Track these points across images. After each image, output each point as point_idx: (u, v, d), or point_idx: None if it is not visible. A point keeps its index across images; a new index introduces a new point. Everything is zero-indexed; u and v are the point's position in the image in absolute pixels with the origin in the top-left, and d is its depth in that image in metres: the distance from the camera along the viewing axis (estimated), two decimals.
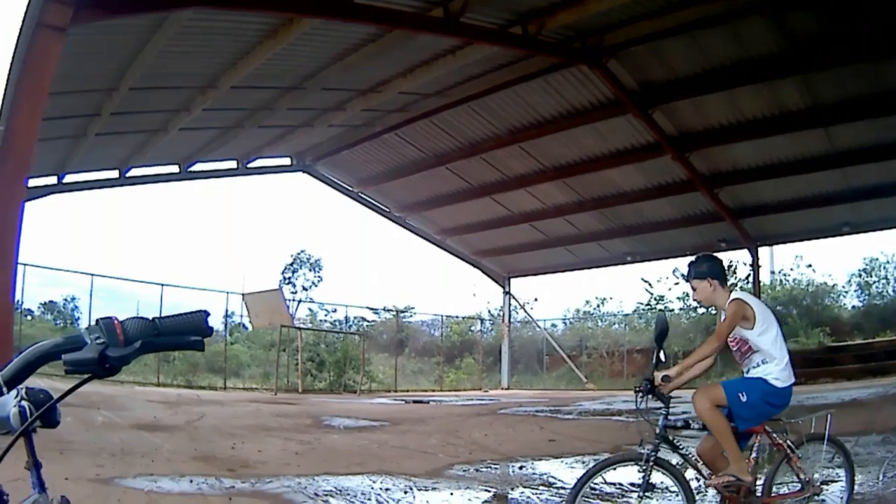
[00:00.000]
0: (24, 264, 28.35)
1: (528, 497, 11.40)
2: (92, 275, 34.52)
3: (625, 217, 33.08)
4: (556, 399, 28.99)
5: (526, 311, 44.07)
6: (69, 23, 13.97)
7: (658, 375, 7.81)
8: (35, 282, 36.11)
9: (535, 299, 46.13)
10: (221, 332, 39.99)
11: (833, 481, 9.29)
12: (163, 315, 2.40)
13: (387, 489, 11.47)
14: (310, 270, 62.68)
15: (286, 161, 33.78)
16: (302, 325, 40.19)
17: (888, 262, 40.68)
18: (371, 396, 33.84)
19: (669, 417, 7.92)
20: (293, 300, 51.59)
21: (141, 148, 27.01)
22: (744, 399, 7.72)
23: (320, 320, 47.78)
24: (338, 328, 45.39)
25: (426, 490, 11.57)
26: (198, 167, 31.06)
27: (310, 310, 50.69)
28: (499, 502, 11.46)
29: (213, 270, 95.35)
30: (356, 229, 78.40)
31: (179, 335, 2.41)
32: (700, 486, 8.62)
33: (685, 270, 8.70)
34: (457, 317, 49.35)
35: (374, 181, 34.37)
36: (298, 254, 62.43)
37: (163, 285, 36.37)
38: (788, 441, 7.97)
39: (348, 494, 10.77)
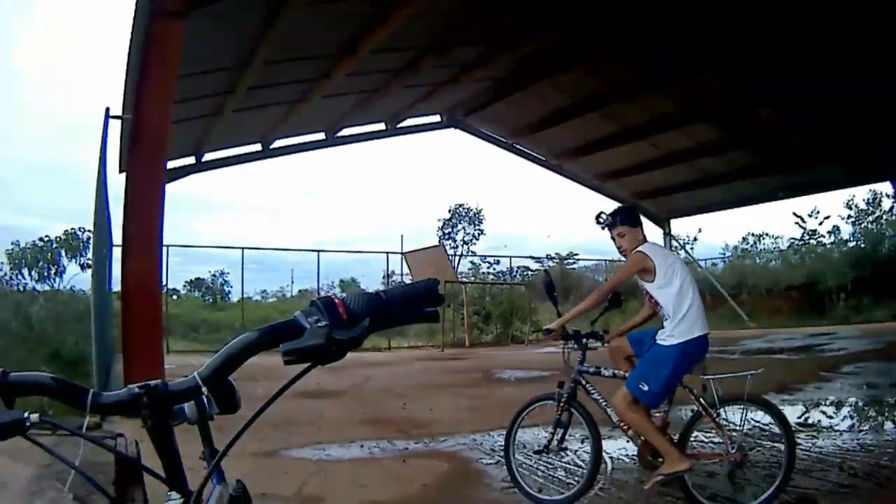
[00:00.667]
0: (169, 245, 28.94)
1: (701, 441, 10.79)
2: (243, 248, 35.22)
3: (775, 153, 32.30)
4: (719, 339, 28.58)
5: (686, 252, 43.58)
6: (185, 8, 14.00)
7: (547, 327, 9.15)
8: (178, 261, 36.82)
9: (695, 239, 45.71)
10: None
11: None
12: (388, 289, 2.04)
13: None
14: (469, 224, 62.90)
15: (436, 118, 33.37)
16: (465, 280, 40.15)
17: None
18: (539, 346, 33.34)
19: (584, 364, 8.81)
20: (454, 255, 51.73)
21: (283, 119, 26.92)
22: (646, 388, 7.90)
23: (483, 273, 47.76)
24: (501, 280, 45.25)
25: (604, 438, 11.34)
26: (345, 132, 30.82)
27: (472, 263, 50.88)
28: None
29: (370, 233, 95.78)
30: (511, 180, 78.38)
31: (411, 306, 2.04)
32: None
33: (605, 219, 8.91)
34: (619, 261, 48.71)
35: (527, 131, 33.81)
36: (456, 208, 62.59)
37: (318, 251, 36.72)
38: (702, 399, 8.02)
39: (525, 448, 10.54)
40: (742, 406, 8.07)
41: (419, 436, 11.82)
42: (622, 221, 8.57)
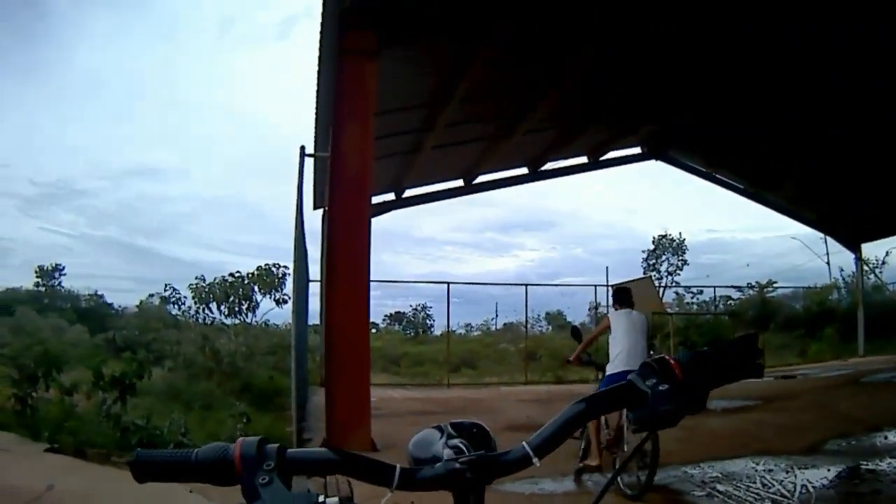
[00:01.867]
0: (373, 280, 29.44)
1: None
2: (448, 283, 35.31)
3: None
4: None
5: (876, 275, 42.78)
6: (376, 47, 14.39)
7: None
8: (377, 294, 37.34)
9: (884, 262, 44.78)
10: (588, 323, 40.17)
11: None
12: (711, 345, 1.98)
13: (770, 470, 11.73)
14: (673, 255, 62.95)
15: (637, 150, 33.21)
16: (671, 311, 40.06)
17: None
18: None
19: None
20: (660, 286, 51.65)
21: (484, 155, 27.19)
22: None
23: (687, 303, 47.58)
24: (705, 310, 45.02)
25: (805, 468, 11.72)
26: (547, 166, 30.87)
27: (676, 293, 50.67)
28: (872, 476, 11.45)
29: (572, 265, 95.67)
30: (711, 209, 78.24)
31: (739, 361, 1.95)
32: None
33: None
34: (815, 287, 48.19)
35: (725, 161, 33.72)
36: (660, 239, 62.68)
37: (526, 285, 36.94)
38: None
39: (734, 479, 11.04)
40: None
41: (628, 469, 11.79)
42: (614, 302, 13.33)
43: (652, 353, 13.93)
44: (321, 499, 1.64)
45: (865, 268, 41.04)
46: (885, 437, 14.17)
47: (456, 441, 1.92)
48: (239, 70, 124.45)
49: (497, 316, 46.28)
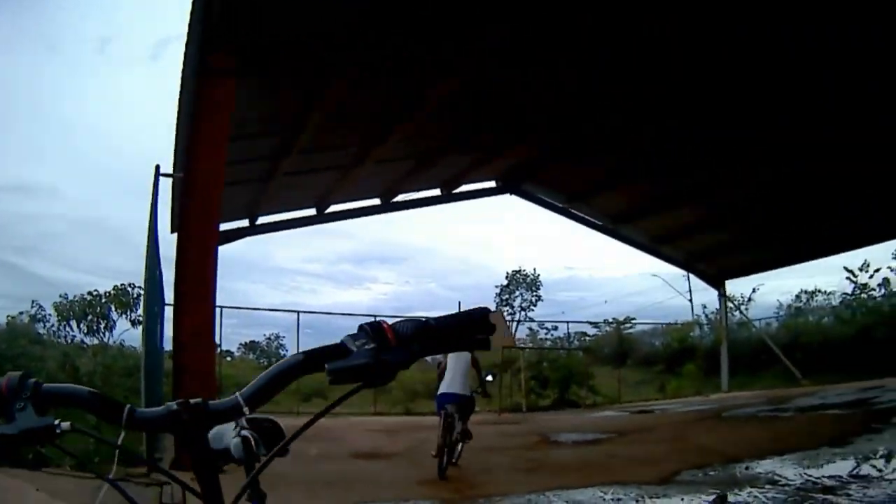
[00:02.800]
0: (222, 307, 29.46)
1: (756, 496, 11.45)
2: (298, 312, 35.68)
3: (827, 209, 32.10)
4: (774, 398, 28.74)
5: (741, 312, 43.44)
6: (235, 69, 14.39)
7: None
8: (233, 323, 37.23)
9: (749, 299, 45.61)
10: (439, 357, 40.36)
11: None
12: (438, 318, 2.03)
13: (618, 499, 11.69)
14: (527, 290, 63.27)
15: (491, 184, 33.01)
16: (523, 345, 40.26)
17: None
18: (595, 410, 34.04)
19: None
20: (512, 321, 51.90)
21: (338, 184, 27.03)
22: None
23: (540, 339, 47.87)
24: (558, 346, 45.30)
25: (657, 497, 11.83)
26: (400, 197, 30.67)
27: (529, 329, 51.04)
28: None
29: (426, 299, 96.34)
30: (568, 244, 79.00)
31: (463, 333, 2.03)
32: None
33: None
34: (675, 323, 48.87)
35: (582, 196, 33.58)
36: (514, 274, 63.00)
37: (375, 316, 36.72)
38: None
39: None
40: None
41: (475, 496, 12.15)
42: None
43: (490, 378, 19.56)
44: (57, 422, 1.84)
45: (730, 304, 41.64)
46: (746, 468, 14.18)
47: (246, 432, 2.06)
48: (112, 89, 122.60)
49: None
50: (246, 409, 1.99)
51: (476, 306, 2.04)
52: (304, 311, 36.10)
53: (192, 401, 1.96)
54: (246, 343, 50.59)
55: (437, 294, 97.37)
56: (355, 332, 2.00)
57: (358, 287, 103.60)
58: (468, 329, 2.02)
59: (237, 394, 1.99)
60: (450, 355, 16.33)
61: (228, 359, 43.17)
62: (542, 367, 39.21)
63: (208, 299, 14.87)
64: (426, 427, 23.32)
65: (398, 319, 2.02)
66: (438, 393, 16.72)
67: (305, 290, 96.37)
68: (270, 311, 44.08)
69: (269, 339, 50.86)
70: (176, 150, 16.44)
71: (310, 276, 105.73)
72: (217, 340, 23.83)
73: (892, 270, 42.65)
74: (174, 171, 16.82)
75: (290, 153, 22.18)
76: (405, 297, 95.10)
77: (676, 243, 37.92)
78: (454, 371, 16.55)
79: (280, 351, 49.93)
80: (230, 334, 52.15)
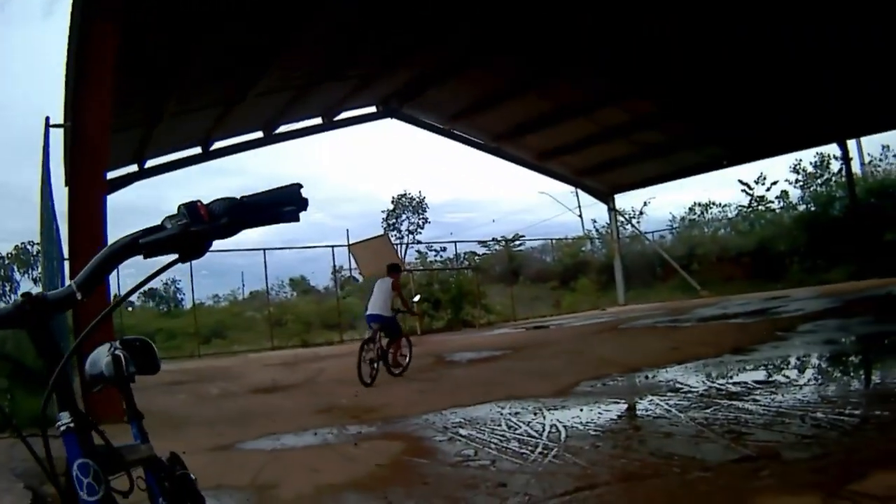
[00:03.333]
0: None
1: (657, 403, 11.44)
2: None
3: (714, 122, 32.31)
4: (674, 309, 28.97)
5: (633, 226, 43.84)
6: (121, 9, 14.13)
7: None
8: (130, 272, 36.95)
9: (641, 213, 45.93)
10: (332, 287, 40.24)
11: None
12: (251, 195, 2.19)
13: (516, 413, 11.61)
14: (413, 213, 63.06)
15: (372, 109, 33.43)
16: (412, 268, 40.19)
17: None
18: (490, 328, 34.23)
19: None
20: (400, 244, 51.85)
21: (221, 120, 26.91)
22: None
23: (430, 261, 47.80)
24: (448, 266, 45.31)
25: (555, 409, 11.62)
26: (283, 129, 30.86)
27: (418, 252, 50.98)
28: (628, 412, 11.62)
29: (317, 232, 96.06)
30: (454, 165, 78.88)
31: (272, 207, 2.18)
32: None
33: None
34: (566, 239, 49.10)
35: (464, 115, 34.01)
36: (399, 198, 62.70)
37: (265, 250, 36.59)
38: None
39: (478, 423, 10.90)
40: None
41: (372, 420, 11.97)
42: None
43: (417, 298, 24.03)
44: None
45: (621, 218, 41.88)
46: (646, 377, 14.26)
47: (119, 352, 2.47)
48: (7, 49, 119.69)
49: (244, 285, 46.41)
50: (79, 295, 2.09)
51: (293, 183, 2.22)
52: None
53: (32, 291, 2.08)
54: (145, 292, 50.09)
55: (324, 224, 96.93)
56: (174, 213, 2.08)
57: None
58: (277, 203, 2.17)
59: (71, 282, 2.09)
60: (377, 282, 19.43)
61: (129, 309, 42.90)
62: (433, 290, 39.39)
63: (100, 245, 14.36)
64: (322, 357, 23.64)
65: (214, 198, 2.11)
66: (365, 315, 18.91)
67: None
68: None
69: (167, 284, 50.34)
70: (66, 102, 16.04)
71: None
72: (116, 291, 23.69)
73: (790, 183, 43.33)
74: (64, 122, 16.47)
75: (173, 94, 21.98)
76: (292, 230, 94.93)
77: (563, 159, 38.30)
78: (376, 295, 18.81)
79: (178, 295, 49.64)
80: (130, 284, 51.92)
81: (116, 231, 14.77)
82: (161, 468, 2.60)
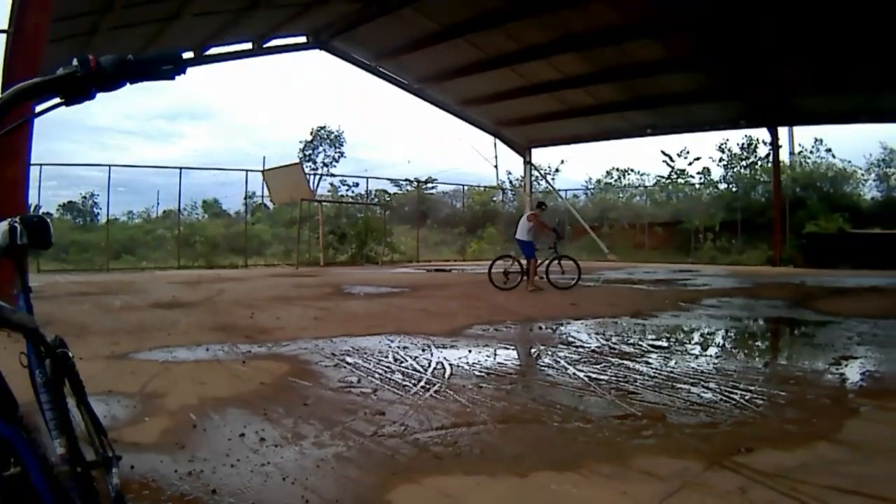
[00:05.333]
0: (40, 164, 29.43)
1: (548, 354, 11.57)
2: (109, 166, 35.01)
3: (645, 89, 32.51)
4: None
5: (547, 181, 44.00)
6: None
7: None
8: (52, 185, 36.52)
9: (557, 170, 46.07)
10: (242, 212, 40.08)
11: None
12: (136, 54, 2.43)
13: (405, 347, 11.72)
14: (330, 146, 62.77)
15: (302, 39, 33.38)
16: (321, 199, 40.17)
17: None
18: (393, 266, 34.52)
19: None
20: (314, 175, 51.61)
21: (156, 37, 26.73)
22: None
23: (341, 195, 47.67)
24: (359, 202, 45.30)
25: (444, 348, 11.77)
26: (213, 51, 30.74)
27: (331, 184, 50.75)
28: (517, 359, 11.66)
29: (234, 156, 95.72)
30: (376, 104, 78.54)
31: (153, 65, 2.42)
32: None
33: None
34: (479, 187, 49.17)
35: (392, 55, 34.03)
36: (318, 130, 62.34)
37: (181, 168, 36.36)
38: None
39: (365, 353, 11.03)
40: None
41: (263, 341, 12.03)
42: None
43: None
44: None
45: (536, 173, 42.02)
46: (540, 328, 14.31)
47: (14, 224, 2.70)
48: None
49: (158, 204, 46.17)
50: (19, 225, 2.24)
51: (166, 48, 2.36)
52: (115, 166, 35.06)
53: None
54: (63, 204, 49.55)
55: (245, 150, 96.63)
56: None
57: (168, 143, 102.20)
58: (159, 62, 2.41)
59: None
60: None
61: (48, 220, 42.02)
62: (340, 223, 39.67)
63: (22, 157, 14.68)
64: (224, 279, 23.82)
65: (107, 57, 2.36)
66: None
67: (120, 147, 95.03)
68: (81, 165, 43.38)
69: (85, 198, 49.72)
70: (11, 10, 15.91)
71: (125, 133, 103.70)
72: (36, 201, 23.60)
73: (714, 161, 43.74)
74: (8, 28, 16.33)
75: (112, 8, 21.83)
76: (214, 153, 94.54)
77: (485, 108, 38.54)
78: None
79: (94, 209, 49.13)
80: (50, 196, 51.29)
81: (46, 143, 14.58)
82: (42, 343, 2.69)
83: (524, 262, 22.56)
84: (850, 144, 56.53)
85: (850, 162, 40.42)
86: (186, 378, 9.00)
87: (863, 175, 40.90)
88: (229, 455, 6.28)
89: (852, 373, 10.43)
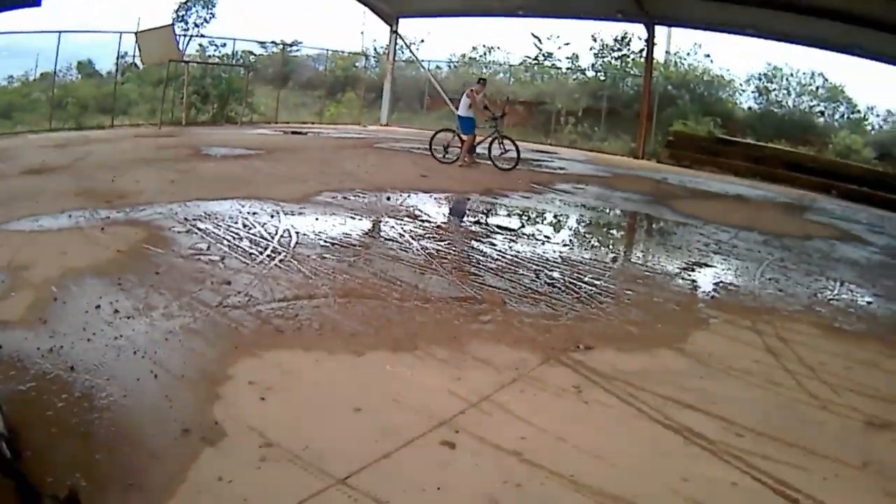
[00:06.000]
0: None
1: (393, 227, 11.95)
2: None
3: None
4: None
5: (411, 51, 43.70)
6: None
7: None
8: None
9: (422, 41, 45.83)
10: (112, 72, 39.49)
11: None
12: None
13: (254, 213, 11.92)
14: (203, 7, 61.80)
15: None
16: (188, 59, 39.64)
17: (792, 75, 39.83)
18: (252, 127, 34.13)
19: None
20: (185, 36, 50.85)
21: None
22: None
23: (209, 56, 47.05)
24: (224, 62, 44.80)
25: (292, 215, 12.03)
26: None
27: (200, 45, 49.94)
28: (362, 229, 11.90)
29: (109, 15, 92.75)
30: None
31: None
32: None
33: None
34: (343, 52, 48.77)
35: None
36: None
37: (60, 32, 35.65)
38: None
39: (216, 218, 11.23)
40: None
41: (122, 206, 11.96)
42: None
43: None
44: None
45: (401, 43, 41.92)
46: (388, 199, 14.59)
47: None
48: None
49: (36, 67, 45.29)
50: None
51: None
52: None
53: None
54: None
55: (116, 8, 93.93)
56: None
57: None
58: None
59: None
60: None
61: None
62: (205, 83, 38.98)
63: None
64: (91, 141, 23.17)
65: None
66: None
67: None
68: None
69: None
70: None
71: None
72: None
73: (586, 49, 43.71)
74: None
75: None
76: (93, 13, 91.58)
77: None
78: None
79: None
80: None
81: None
82: None
83: (464, 137, 22.10)
84: (735, 60, 56.33)
85: (729, 70, 40.67)
86: (50, 248, 9.05)
87: (741, 86, 40.52)
88: (86, 329, 6.49)
89: (705, 281, 10.72)
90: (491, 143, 22.41)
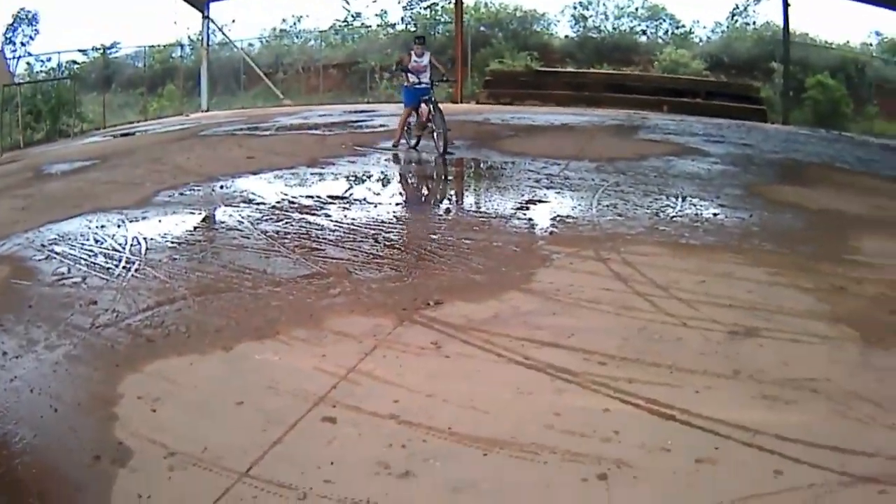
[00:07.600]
0: None
1: (231, 215, 11.93)
2: None
3: None
4: (254, 117, 28.63)
5: (223, 33, 43.37)
6: None
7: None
8: None
9: (233, 21, 45.44)
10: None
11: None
12: None
13: (102, 226, 11.62)
14: (27, 25, 60.37)
15: None
16: (19, 81, 38.82)
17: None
18: (84, 137, 32.85)
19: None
20: (14, 58, 49.76)
21: None
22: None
23: (36, 72, 46.11)
24: (51, 77, 43.92)
25: (136, 221, 11.83)
26: None
27: (28, 63, 48.97)
28: (203, 223, 11.99)
29: None
30: None
31: None
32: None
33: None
34: (159, 46, 48.11)
35: None
36: (18, 13, 59.90)
37: None
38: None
39: (70, 239, 10.92)
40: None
41: None
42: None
43: None
44: None
45: (213, 26, 41.62)
46: (221, 187, 14.42)
47: None
48: None
49: None
50: None
51: None
52: None
53: None
54: None
55: None
56: None
57: None
58: None
59: None
60: None
61: None
62: (36, 101, 37.22)
63: None
64: None
65: None
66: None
67: None
68: None
69: None
70: None
71: None
72: None
73: (401, 5, 43.58)
74: None
75: None
76: None
77: None
78: None
79: None
80: None
81: None
82: None
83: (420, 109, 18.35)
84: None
85: (543, 2, 40.86)
86: None
87: (556, 16, 40.68)
88: None
89: (542, 218, 11.01)
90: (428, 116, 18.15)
